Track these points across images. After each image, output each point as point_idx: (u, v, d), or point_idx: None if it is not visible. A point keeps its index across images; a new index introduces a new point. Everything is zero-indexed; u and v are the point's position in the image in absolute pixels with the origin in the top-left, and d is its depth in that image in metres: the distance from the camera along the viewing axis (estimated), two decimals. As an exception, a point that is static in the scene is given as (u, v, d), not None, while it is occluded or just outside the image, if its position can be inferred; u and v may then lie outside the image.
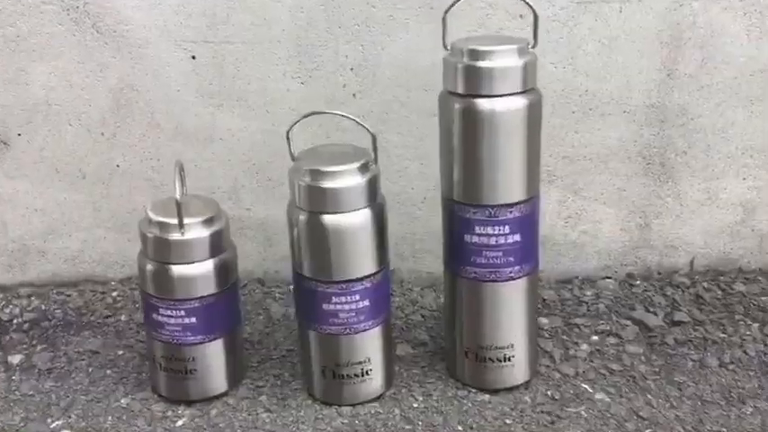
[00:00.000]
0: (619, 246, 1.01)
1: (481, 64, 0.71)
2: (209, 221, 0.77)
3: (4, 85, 0.94)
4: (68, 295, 1.02)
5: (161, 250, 0.76)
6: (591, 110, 0.95)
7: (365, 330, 0.77)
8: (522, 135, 0.73)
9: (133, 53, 0.93)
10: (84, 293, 1.02)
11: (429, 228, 0.99)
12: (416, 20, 0.91)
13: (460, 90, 0.72)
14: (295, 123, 0.73)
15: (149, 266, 0.77)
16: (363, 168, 0.74)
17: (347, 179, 0.72)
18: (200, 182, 0.97)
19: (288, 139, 0.74)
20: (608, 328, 0.92)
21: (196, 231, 0.76)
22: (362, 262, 0.75)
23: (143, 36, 0.92)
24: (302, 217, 0.74)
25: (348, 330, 0.77)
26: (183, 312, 0.77)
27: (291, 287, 1.04)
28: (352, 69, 0.94)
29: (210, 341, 0.79)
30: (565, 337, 0.91)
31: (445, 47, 0.75)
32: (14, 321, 0.97)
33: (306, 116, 0.74)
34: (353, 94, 0.95)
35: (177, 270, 0.76)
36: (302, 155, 0.76)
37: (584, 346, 0.89)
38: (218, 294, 0.78)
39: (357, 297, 0.75)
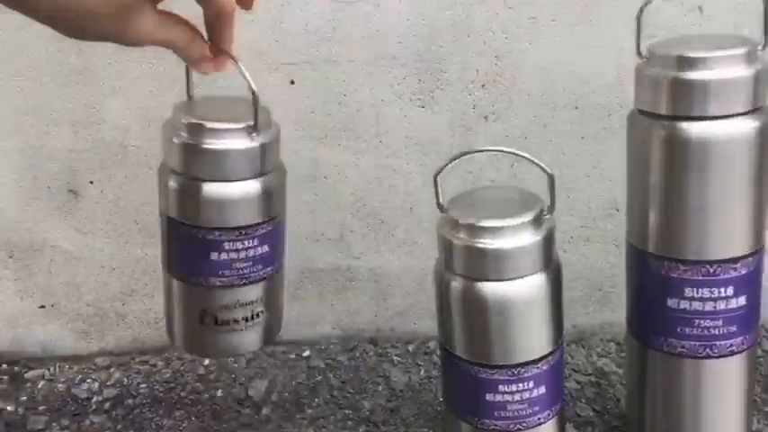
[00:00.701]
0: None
1: (694, 75, 0.53)
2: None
3: (73, 125, 0.81)
4: (153, 365, 0.88)
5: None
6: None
7: (540, 424, 0.60)
8: (749, 170, 0.55)
9: (220, 79, 0.78)
10: (171, 362, 0.88)
11: (575, 272, 0.82)
12: (564, 20, 0.74)
13: (664, 110, 0.55)
14: (447, 165, 0.57)
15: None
16: (537, 221, 0.56)
17: (517, 237, 0.55)
18: (302, 227, 0.82)
19: (435, 184, 0.58)
20: (825, 395, 0.73)
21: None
22: (537, 340, 0.58)
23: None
24: (456, 284, 0.57)
25: (519, 426, 0.59)
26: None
27: (410, 347, 0.88)
28: (483, 86, 0.77)
29: None
30: (771, 409, 0.72)
31: (639, 53, 0.57)
32: (93, 400, 0.83)
33: (458, 157, 0.57)
34: (485, 117, 0.78)
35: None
36: (454, 203, 0.59)
37: (802, 424, 0.70)
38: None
39: (531, 384, 0.58)
